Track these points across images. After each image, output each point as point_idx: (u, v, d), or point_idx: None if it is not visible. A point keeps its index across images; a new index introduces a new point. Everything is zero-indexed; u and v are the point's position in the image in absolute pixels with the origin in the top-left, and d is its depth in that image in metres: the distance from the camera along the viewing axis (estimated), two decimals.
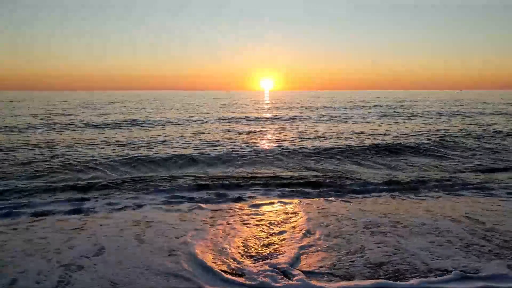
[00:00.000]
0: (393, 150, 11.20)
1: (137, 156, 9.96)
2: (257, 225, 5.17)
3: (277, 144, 12.42)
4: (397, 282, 3.57)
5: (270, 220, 5.36)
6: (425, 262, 3.98)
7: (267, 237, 4.72)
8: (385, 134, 15.06)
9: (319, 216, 5.48)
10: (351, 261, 4.02)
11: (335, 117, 24.59)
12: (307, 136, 14.63)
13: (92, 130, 16.64)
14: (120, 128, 17.32)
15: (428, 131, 15.85)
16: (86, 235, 4.76)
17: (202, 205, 6.10)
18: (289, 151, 10.99)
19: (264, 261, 4.03)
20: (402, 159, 10.20)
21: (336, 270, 3.83)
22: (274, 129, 17.83)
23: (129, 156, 9.95)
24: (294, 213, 5.69)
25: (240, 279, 3.66)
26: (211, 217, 5.49)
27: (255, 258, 4.13)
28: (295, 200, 6.40)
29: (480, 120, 21.61)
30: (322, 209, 5.86)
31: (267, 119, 23.28)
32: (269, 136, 15.02)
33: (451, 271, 3.75)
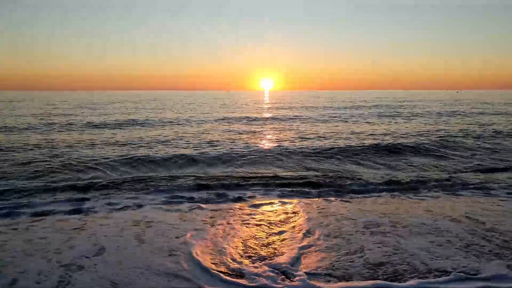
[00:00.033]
0: (393, 150, 11.20)
1: (137, 156, 9.97)
2: (257, 225, 5.17)
3: (277, 144, 12.43)
4: (396, 283, 3.57)
5: (270, 220, 5.37)
6: (425, 262, 3.99)
7: (267, 237, 4.73)
8: (385, 134, 15.07)
9: (319, 216, 5.49)
10: (350, 262, 4.02)
11: (335, 117, 24.59)
12: (307, 136, 14.63)
13: (92, 130, 16.65)
14: (120, 128, 17.33)
15: (428, 131, 15.85)
16: (86, 235, 4.76)
17: (202, 205, 6.11)
18: (289, 151, 10.99)
19: (264, 262, 4.03)
20: (402, 159, 10.20)
21: (336, 271, 3.84)
22: (274, 129, 17.83)
23: (129, 156, 9.96)
24: (294, 213, 5.70)
25: (240, 280, 3.66)
26: (211, 217, 5.49)
27: (255, 258, 4.13)
28: (295, 200, 6.40)
29: (480, 120, 21.62)
30: (322, 209, 5.86)
31: (267, 119, 23.28)
32: (269, 136, 15.02)
33: (450, 272, 3.75)
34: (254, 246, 4.45)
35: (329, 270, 3.84)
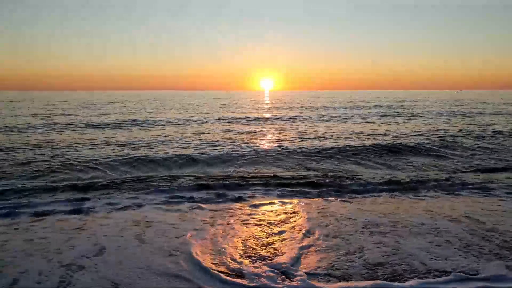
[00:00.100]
0: (393, 150, 11.21)
1: (137, 156, 9.98)
2: (257, 225, 5.18)
3: (277, 144, 12.43)
4: (395, 283, 3.58)
5: (270, 220, 5.38)
6: (424, 262, 3.99)
7: (267, 237, 4.74)
8: (385, 134, 15.07)
9: (318, 216, 5.50)
10: (350, 262, 4.03)
11: (335, 117, 24.60)
12: (307, 136, 14.64)
13: (92, 130, 16.65)
14: (120, 128, 17.33)
15: (428, 131, 15.86)
16: (86, 235, 4.77)
17: (202, 205, 6.12)
18: (289, 151, 11.00)
19: (264, 262, 4.04)
20: (402, 159, 10.21)
21: (336, 271, 3.84)
22: (274, 129, 17.84)
23: (129, 156, 9.97)
24: (294, 213, 5.71)
25: (240, 280, 3.67)
26: (211, 217, 5.50)
27: (255, 258, 4.14)
28: (295, 200, 6.41)
29: (480, 120, 21.62)
30: (322, 209, 5.87)
31: (267, 119, 23.29)
32: (269, 136, 15.03)
33: (450, 272, 3.76)
34: (254, 246, 4.46)
35: (329, 270, 3.85)
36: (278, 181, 7.63)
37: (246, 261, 4.06)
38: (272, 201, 6.39)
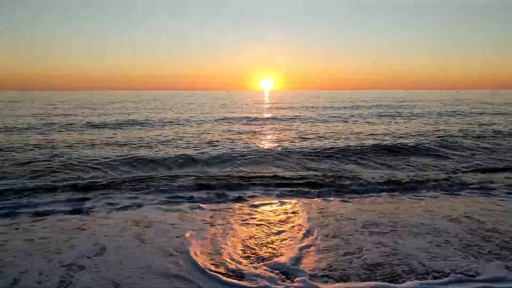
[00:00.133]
0: (392, 150, 11.21)
1: (137, 156, 9.98)
2: (257, 225, 5.19)
3: (277, 144, 12.44)
4: (393, 284, 3.58)
5: (270, 220, 5.38)
6: (423, 263, 4.00)
7: (266, 237, 4.74)
8: (385, 134, 15.08)
9: (318, 216, 5.50)
10: (349, 262, 4.04)
11: (335, 117, 24.60)
12: (307, 136, 14.65)
13: (92, 130, 16.65)
14: (120, 128, 17.34)
15: (428, 131, 15.86)
16: (86, 235, 4.78)
17: (202, 205, 6.13)
18: (289, 151, 11.01)
19: (264, 262, 4.05)
20: (402, 159, 10.22)
21: (335, 272, 3.85)
22: (274, 129, 17.84)
23: (129, 156, 9.97)
24: (294, 213, 5.71)
25: (240, 282, 3.67)
26: (211, 217, 5.51)
27: (255, 259, 4.15)
28: (295, 200, 6.42)
29: (480, 120, 21.63)
30: (321, 209, 5.88)
31: (267, 119, 23.29)
32: (269, 136, 15.04)
33: (449, 273, 3.76)
34: (253, 246, 4.46)
35: (328, 271, 3.85)
36: (278, 181, 7.64)
37: (246, 262, 4.07)
38: (272, 201, 6.40)
